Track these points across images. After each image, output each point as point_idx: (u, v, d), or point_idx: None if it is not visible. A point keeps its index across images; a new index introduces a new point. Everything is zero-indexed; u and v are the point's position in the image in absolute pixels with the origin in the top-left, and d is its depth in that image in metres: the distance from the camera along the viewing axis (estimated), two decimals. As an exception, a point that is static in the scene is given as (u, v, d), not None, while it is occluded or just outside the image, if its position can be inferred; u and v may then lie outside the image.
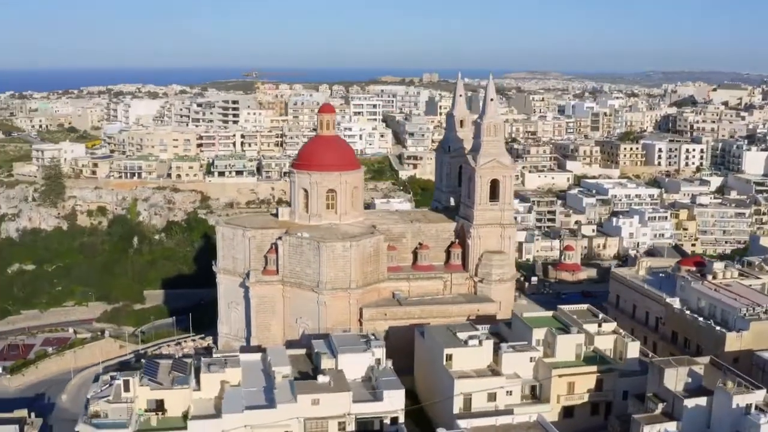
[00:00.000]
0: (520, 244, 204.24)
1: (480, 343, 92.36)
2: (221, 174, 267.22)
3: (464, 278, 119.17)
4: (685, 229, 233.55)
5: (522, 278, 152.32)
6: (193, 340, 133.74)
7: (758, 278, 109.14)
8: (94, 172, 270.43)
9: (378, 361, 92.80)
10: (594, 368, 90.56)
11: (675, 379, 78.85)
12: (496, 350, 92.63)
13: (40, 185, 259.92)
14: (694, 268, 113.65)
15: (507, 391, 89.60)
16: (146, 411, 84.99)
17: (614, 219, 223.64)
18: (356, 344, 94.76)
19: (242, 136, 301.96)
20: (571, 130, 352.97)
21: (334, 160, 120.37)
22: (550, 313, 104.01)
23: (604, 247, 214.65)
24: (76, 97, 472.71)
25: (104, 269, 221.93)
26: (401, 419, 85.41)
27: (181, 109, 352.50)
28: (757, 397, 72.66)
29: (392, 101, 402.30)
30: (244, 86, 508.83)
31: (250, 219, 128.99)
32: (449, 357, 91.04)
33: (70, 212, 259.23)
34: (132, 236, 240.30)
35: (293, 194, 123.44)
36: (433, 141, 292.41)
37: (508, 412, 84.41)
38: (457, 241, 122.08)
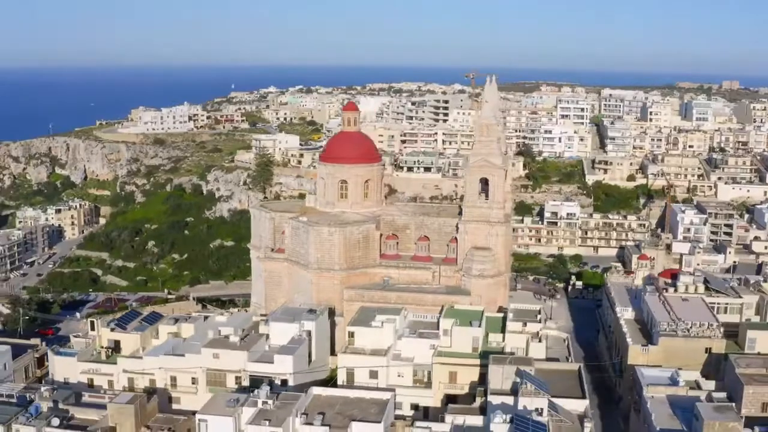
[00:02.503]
0: (681, 255, 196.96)
1: (382, 325, 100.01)
2: (409, 169, 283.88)
3: (453, 271, 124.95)
4: None
5: (567, 282, 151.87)
6: (238, 309, 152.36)
7: (725, 296, 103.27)
8: (299, 162, 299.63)
9: (308, 333, 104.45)
10: (477, 361, 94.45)
11: (501, 377, 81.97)
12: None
13: (253, 171, 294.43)
14: (669, 280, 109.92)
15: (398, 373, 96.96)
16: (103, 347, 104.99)
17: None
18: (294, 317, 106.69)
19: (444, 134, 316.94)
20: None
21: (348, 153, 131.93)
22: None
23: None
24: (342, 92, 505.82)
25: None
26: (291, 382, 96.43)
27: (397, 107, 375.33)
28: (539, 403, 74.48)
29: (619, 105, 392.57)
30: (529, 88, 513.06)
31: (280, 204, 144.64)
32: (351, 334, 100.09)
33: (274, 197, 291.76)
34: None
35: (317, 184, 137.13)
36: (634, 147, 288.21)
37: (373, 389, 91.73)
38: (456, 236, 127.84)
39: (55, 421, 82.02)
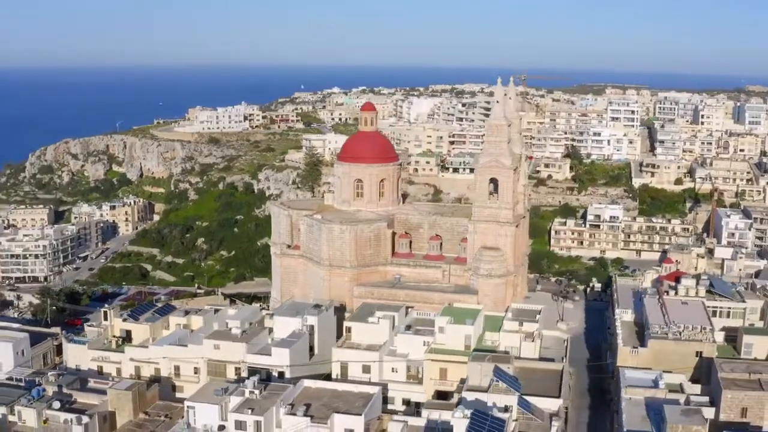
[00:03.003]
0: (723, 260, 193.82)
1: (378, 321, 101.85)
2: (455, 170, 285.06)
3: (463, 270, 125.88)
4: None
5: (591, 284, 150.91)
6: (261, 304, 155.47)
7: (728, 300, 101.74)
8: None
9: (311, 327, 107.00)
10: (465, 358, 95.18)
11: (479, 374, 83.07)
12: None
13: (302, 171, 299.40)
14: (673, 282, 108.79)
15: (393, 369, 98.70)
16: (115, 337, 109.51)
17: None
18: (299, 311, 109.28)
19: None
20: None
21: (364, 153, 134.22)
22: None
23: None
24: (404, 93, 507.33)
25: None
26: (287, 374, 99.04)
27: (448, 108, 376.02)
28: (509, 400, 75.39)
29: (673, 108, 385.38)
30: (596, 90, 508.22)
31: (299, 202, 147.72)
32: (348, 329, 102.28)
33: (321, 197, 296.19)
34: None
35: (335, 183, 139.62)
36: (684, 150, 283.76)
37: (365, 383, 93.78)
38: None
39: (56, 404, 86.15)
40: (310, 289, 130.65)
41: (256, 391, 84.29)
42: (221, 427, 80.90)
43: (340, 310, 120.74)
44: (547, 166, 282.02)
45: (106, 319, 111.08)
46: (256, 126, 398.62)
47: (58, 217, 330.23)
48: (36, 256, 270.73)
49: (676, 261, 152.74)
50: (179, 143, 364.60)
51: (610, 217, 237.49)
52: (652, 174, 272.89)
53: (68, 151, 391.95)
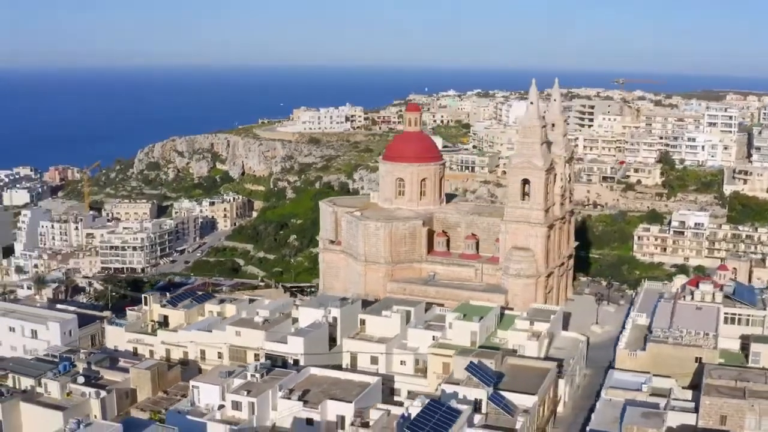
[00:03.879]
0: None
1: (390, 315, 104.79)
2: None
3: (494, 269, 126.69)
4: None
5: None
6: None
7: (747, 307, 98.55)
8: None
9: (334, 319, 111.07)
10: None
11: (462, 368, 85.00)
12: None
13: None
14: (694, 288, 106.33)
15: (401, 361, 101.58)
16: (153, 321, 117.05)
17: None
18: (324, 304, 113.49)
19: (585, 140, 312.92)
20: None
21: (406, 153, 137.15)
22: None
23: None
24: (517, 97, 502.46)
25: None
26: (302, 362, 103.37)
27: (544, 111, 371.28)
28: (478, 393, 77.21)
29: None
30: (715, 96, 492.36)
31: (346, 199, 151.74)
32: (363, 322, 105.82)
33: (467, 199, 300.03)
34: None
35: (380, 181, 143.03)
36: None
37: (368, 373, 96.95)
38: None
39: (81, 379, 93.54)
40: (350, 284, 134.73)
41: (258, 375, 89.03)
42: (221, 406, 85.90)
43: (370, 305, 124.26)
44: (636, 170, 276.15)
45: (146, 304, 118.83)
46: (357, 127, 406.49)
47: (160, 212, 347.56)
48: (134, 249, 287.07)
49: (733, 269, 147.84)
50: (280, 143, 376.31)
51: (695, 223, 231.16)
52: (745, 181, 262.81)
53: (174, 149, 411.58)
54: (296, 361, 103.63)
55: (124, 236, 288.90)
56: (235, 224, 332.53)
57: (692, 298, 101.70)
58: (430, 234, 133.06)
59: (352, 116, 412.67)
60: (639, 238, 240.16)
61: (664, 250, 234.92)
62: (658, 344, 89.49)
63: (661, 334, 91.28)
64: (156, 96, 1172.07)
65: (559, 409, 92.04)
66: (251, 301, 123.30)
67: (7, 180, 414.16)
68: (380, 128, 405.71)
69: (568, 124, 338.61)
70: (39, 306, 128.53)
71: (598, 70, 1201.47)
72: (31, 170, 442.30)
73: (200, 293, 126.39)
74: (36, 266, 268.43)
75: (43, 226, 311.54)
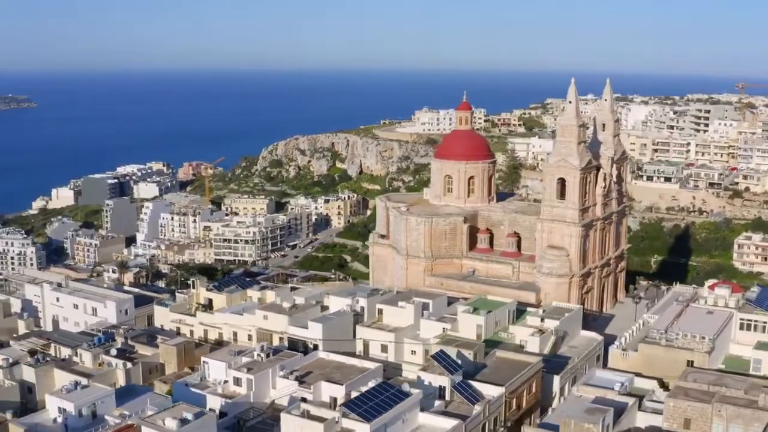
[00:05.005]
0: None
1: (405, 306, 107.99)
2: (649, 178, 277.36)
3: (531, 268, 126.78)
4: None
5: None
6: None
7: (765, 314, 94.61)
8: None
9: (362, 308, 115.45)
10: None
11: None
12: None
13: (503, 173, 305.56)
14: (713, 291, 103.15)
15: (411, 351, 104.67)
16: (199, 304, 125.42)
17: None
18: (351, 293, 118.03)
19: (697, 145, 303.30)
20: None
21: (455, 151, 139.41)
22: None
23: None
24: (658, 102, 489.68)
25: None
26: (320, 347, 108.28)
27: (660, 116, 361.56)
28: (442, 381, 79.90)
29: None
30: None
31: (400, 195, 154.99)
32: (380, 311, 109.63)
33: (521, 199, 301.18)
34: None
35: (431, 178, 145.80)
36: None
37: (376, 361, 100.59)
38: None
39: (113, 351, 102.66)
40: (395, 278, 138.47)
41: (263, 355, 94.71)
42: (225, 381, 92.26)
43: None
44: (746, 177, 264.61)
45: (193, 287, 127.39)
46: (478, 129, 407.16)
47: (278, 208, 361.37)
48: (246, 242, 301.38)
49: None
50: (397, 143, 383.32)
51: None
52: None
53: (297, 147, 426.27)
54: (315, 346, 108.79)
55: (237, 230, 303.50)
56: (348, 222, 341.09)
57: (706, 302, 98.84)
58: (474, 231, 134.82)
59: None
60: (740, 246, 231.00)
61: (765, 259, 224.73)
62: (650, 345, 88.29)
63: (656, 336, 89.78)
64: (308, 96, 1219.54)
65: (555, 405, 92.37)
66: (293, 289, 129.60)
67: (139, 174, 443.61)
68: (500, 130, 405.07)
69: (625, 124, 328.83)
70: (105, 287, 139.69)
71: (718, 75, 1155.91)
72: (163, 165, 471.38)
73: (248, 279, 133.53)
74: (153, 255, 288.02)
75: (163, 218, 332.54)
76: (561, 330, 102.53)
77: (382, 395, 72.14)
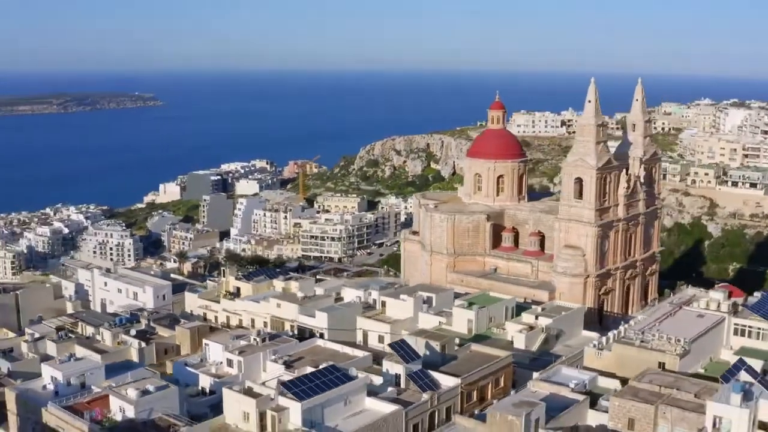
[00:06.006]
0: None
1: (405, 299, 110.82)
2: (734, 184, 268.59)
3: (549, 267, 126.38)
4: None
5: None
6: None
7: (759, 320, 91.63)
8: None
9: (374, 300, 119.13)
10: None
11: (414, 346, 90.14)
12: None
13: None
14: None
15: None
16: (228, 292, 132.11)
17: None
18: (364, 286, 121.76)
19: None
20: None
21: (485, 150, 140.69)
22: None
23: None
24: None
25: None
26: (326, 336, 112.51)
27: (755, 120, 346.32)
28: (398, 369, 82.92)
29: None
30: None
31: (436, 194, 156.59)
32: (384, 303, 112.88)
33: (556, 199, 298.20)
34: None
35: (464, 176, 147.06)
36: None
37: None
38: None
39: (133, 332, 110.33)
40: (421, 273, 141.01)
41: (259, 340, 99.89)
42: (220, 363, 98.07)
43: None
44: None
45: (223, 276, 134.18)
46: (573, 132, 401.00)
47: (371, 207, 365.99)
48: (332, 239, 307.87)
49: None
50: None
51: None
52: None
53: (393, 147, 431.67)
54: (321, 334, 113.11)
55: (324, 227, 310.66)
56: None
57: (698, 306, 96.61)
58: (500, 229, 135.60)
59: (569, 121, 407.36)
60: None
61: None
62: (623, 345, 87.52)
63: (633, 336, 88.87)
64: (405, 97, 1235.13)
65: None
66: (318, 280, 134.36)
67: (242, 171, 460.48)
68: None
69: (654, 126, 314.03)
70: (153, 274, 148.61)
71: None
72: (266, 163, 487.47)
73: (277, 270, 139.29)
74: (244, 250, 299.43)
75: (256, 214, 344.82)
76: (554, 328, 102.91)
77: (326, 377, 75.75)
